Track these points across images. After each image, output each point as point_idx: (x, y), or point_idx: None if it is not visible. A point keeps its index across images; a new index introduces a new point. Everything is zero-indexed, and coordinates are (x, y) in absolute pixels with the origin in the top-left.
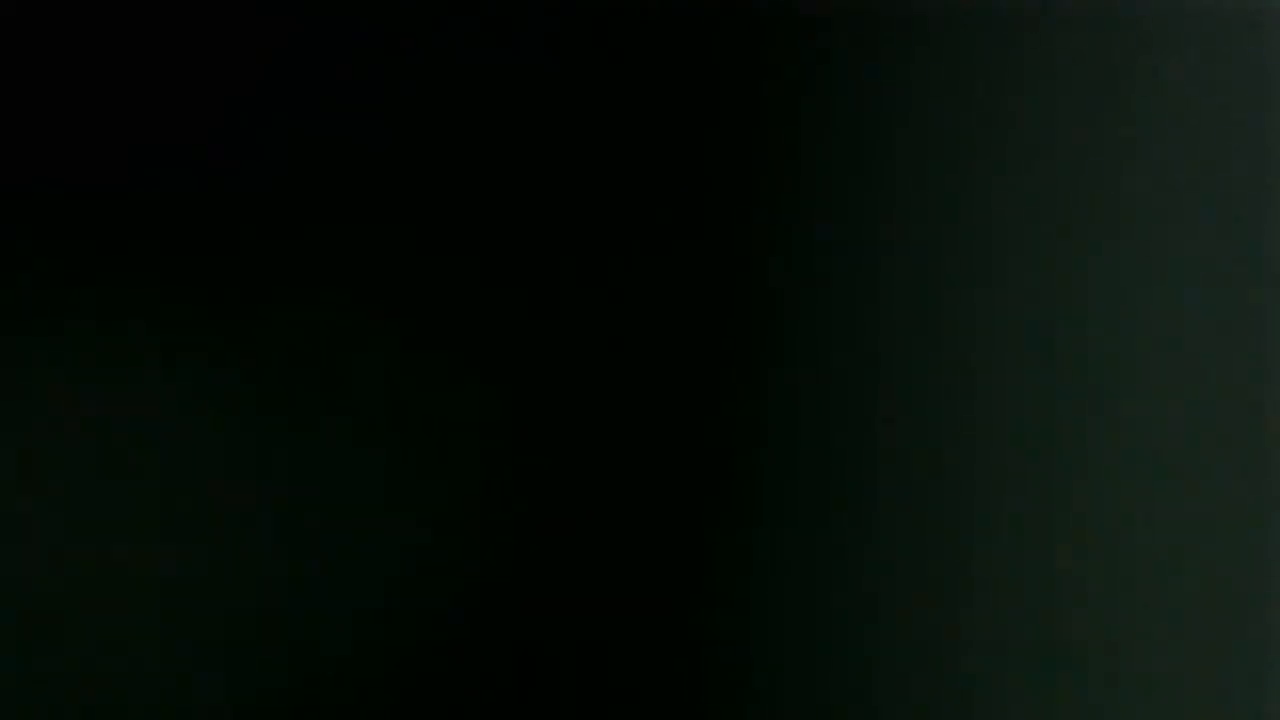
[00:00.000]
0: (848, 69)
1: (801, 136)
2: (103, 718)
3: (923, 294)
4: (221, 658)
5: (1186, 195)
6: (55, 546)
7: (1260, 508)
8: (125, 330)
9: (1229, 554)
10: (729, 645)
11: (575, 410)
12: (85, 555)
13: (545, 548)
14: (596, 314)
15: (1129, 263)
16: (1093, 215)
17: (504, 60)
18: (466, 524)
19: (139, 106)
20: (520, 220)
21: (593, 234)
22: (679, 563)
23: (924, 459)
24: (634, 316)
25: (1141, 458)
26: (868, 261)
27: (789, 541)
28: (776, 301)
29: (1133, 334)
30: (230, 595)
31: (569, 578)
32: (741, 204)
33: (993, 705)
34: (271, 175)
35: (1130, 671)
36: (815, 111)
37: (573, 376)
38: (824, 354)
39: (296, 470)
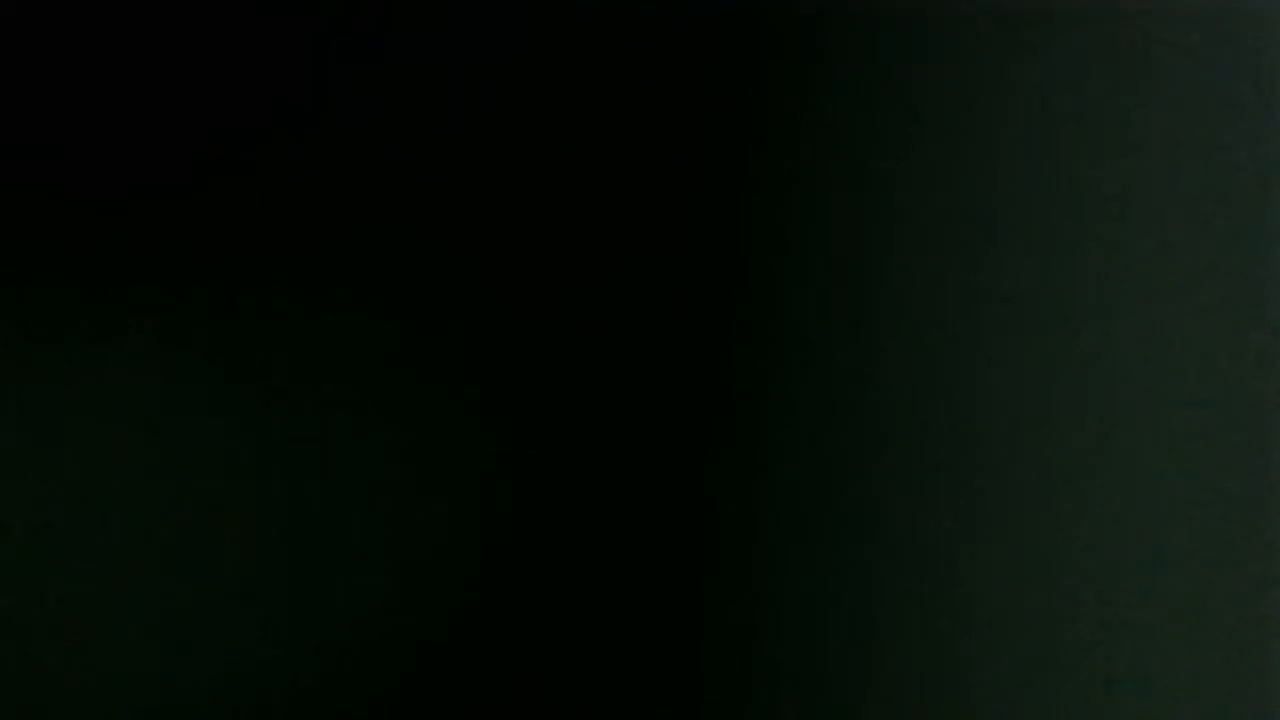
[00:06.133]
0: (848, 69)
1: (801, 136)
2: (103, 717)
3: (923, 294)
4: (221, 657)
5: (1186, 195)
6: (56, 546)
7: (1260, 508)
8: (125, 330)
9: (1229, 554)
10: (729, 647)
11: (576, 410)
12: (85, 554)
13: (545, 548)
14: (597, 314)
15: (1129, 262)
16: (1092, 215)
17: (504, 60)
18: (466, 524)
19: (139, 107)
20: (521, 220)
21: (593, 234)
22: (679, 563)
23: (924, 459)
24: (635, 317)
25: (1141, 458)
26: (868, 261)
27: (790, 543)
28: (776, 302)
29: (1133, 334)
30: (230, 595)
31: (569, 578)
32: (742, 204)
33: (993, 705)
34: (271, 175)
35: (1130, 672)
36: (815, 111)
37: (573, 377)
38: (824, 355)
39: (296, 469)
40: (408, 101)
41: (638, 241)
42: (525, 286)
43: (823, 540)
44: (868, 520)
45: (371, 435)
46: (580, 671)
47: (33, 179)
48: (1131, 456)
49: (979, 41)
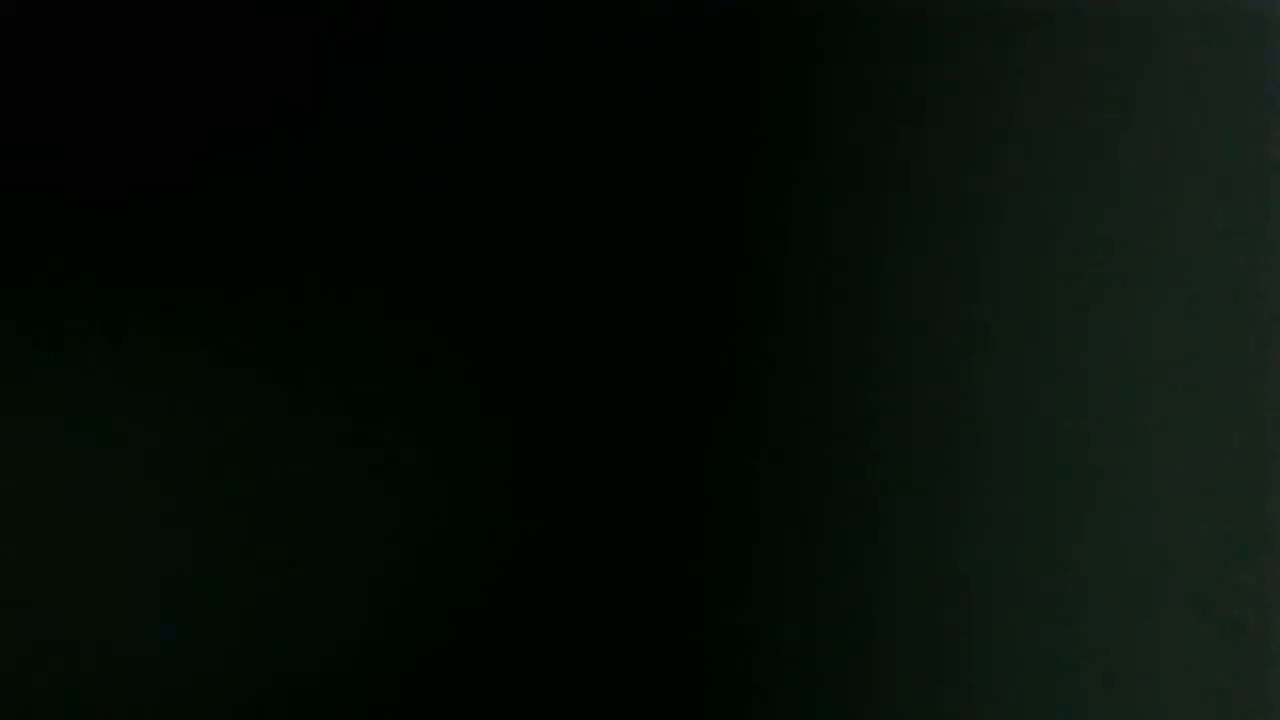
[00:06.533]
0: (848, 69)
1: (801, 136)
2: (103, 717)
3: (923, 294)
4: (221, 657)
5: (1186, 196)
6: (55, 546)
7: (1260, 508)
8: (125, 330)
9: (1229, 553)
10: (729, 647)
11: (576, 410)
12: (85, 554)
13: (546, 547)
14: (598, 314)
15: (1129, 262)
16: (1092, 215)
17: (504, 60)
18: (467, 523)
19: (139, 107)
20: (521, 220)
21: (593, 234)
22: (679, 563)
23: (924, 459)
24: (635, 316)
25: (1141, 457)
26: (868, 261)
27: (790, 543)
28: (776, 302)
29: (1133, 333)
30: (230, 595)
31: (569, 577)
32: (742, 204)
33: (993, 705)
34: (271, 175)
35: (1131, 671)
36: (815, 111)
37: (573, 376)
38: (824, 355)
39: (297, 469)
40: (408, 101)
41: (638, 241)
42: (525, 286)
43: (823, 540)
44: (868, 520)
45: (371, 435)
46: (580, 671)
47: (33, 179)
48: (1131, 456)
49: (979, 41)
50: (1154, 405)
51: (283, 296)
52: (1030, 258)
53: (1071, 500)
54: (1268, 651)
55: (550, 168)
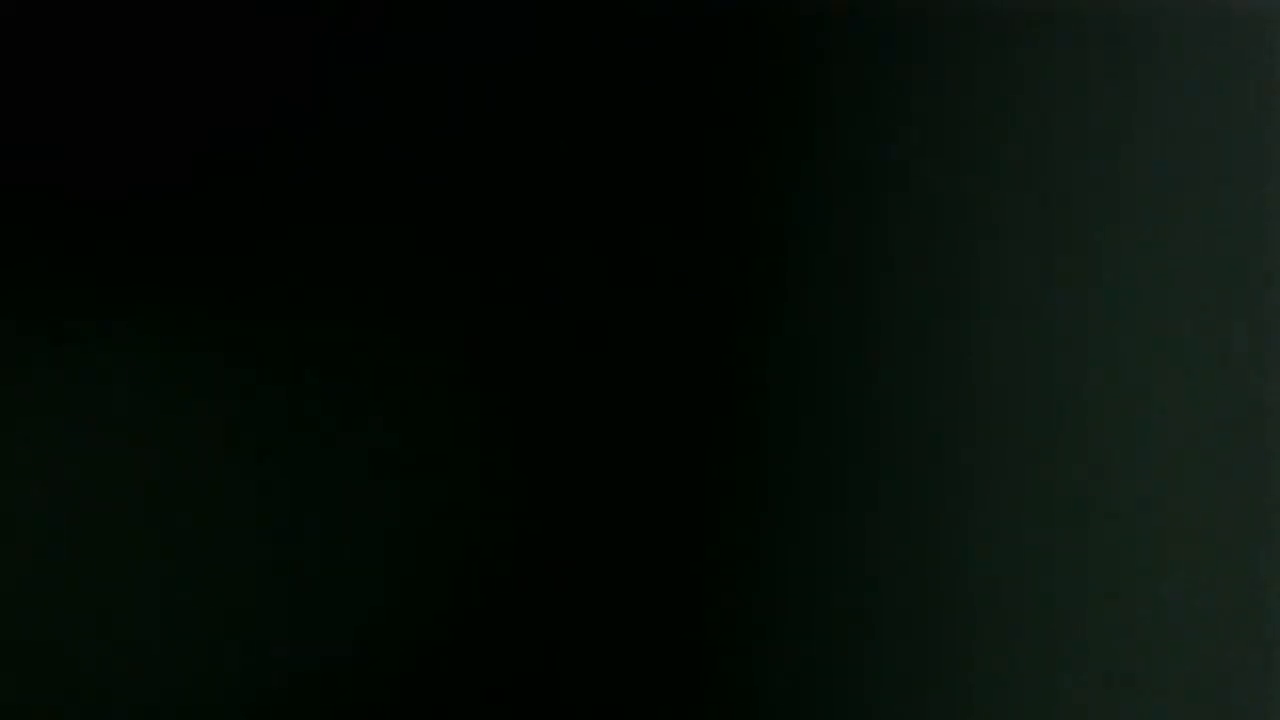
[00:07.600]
0: (848, 69)
1: (801, 136)
2: (103, 716)
3: (923, 294)
4: (221, 657)
5: (1186, 196)
6: (55, 546)
7: (1260, 508)
8: (125, 330)
9: (1229, 553)
10: (729, 647)
11: (576, 410)
12: (84, 554)
13: (545, 547)
14: (598, 314)
15: (1129, 263)
16: (1092, 216)
17: (504, 60)
18: (467, 523)
19: (139, 107)
20: (521, 220)
21: (593, 235)
22: (679, 563)
23: (924, 459)
24: (636, 316)
25: (1141, 458)
26: (868, 261)
27: (790, 543)
28: (777, 302)
29: (1133, 334)
30: (229, 595)
31: (569, 578)
32: (742, 204)
33: (993, 705)
34: (272, 175)
35: (1130, 672)
36: (815, 111)
37: (573, 377)
38: (824, 355)
39: (296, 470)
40: (408, 101)
41: (638, 241)
42: (525, 286)
43: (823, 539)
44: (868, 519)
45: (371, 435)
46: (580, 672)
47: (33, 179)
48: (1132, 456)
49: (979, 41)
50: (1154, 405)
51: (283, 296)
52: (1030, 258)
53: (1072, 500)
54: (1268, 651)
55: (550, 168)
